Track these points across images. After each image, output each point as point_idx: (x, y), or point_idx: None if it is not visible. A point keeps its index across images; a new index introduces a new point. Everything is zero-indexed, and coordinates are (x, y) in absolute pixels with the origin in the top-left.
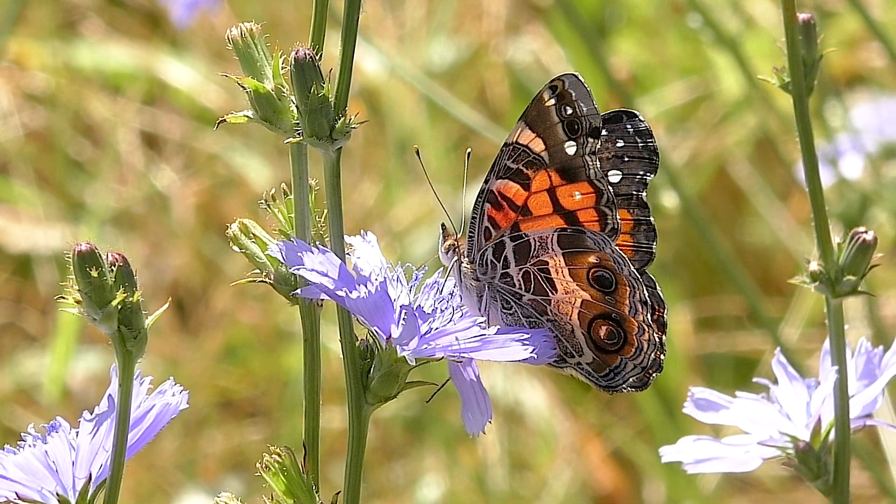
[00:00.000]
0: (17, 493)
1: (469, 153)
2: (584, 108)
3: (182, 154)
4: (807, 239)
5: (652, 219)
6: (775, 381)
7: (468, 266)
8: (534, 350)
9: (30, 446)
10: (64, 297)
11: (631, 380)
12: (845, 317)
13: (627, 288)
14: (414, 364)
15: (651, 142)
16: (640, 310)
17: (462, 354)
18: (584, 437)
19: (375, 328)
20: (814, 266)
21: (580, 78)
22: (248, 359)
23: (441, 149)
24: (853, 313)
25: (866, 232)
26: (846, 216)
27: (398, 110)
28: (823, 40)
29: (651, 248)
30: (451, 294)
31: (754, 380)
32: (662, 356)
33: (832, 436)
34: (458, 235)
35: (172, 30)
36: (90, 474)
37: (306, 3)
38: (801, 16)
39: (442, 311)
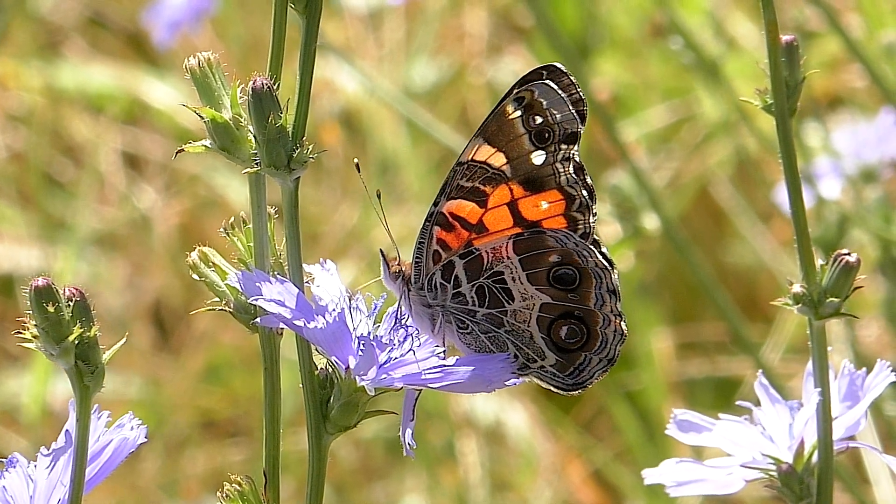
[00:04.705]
0: None
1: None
2: (558, 116)
3: (164, 175)
4: (789, 260)
5: (589, 180)
6: (757, 404)
7: (416, 293)
8: (493, 379)
9: None
10: (21, 332)
11: (597, 373)
12: (828, 339)
13: (593, 280)
14: (374, 394)
15: (576, 92)
16: (608, 300)
17: (421, 385)
18: (565, 457)
19: (334, 358)
20: (797, 288)
21: (551, 84)
22: (229, 379)
23: (423, 169)
24: (835, 335)
25: (849, 254)
26: (824, 239)
27: (379, 131)
28: (805, 61)
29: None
30: (411, 322)
31: (737, 402)
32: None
33: (815, 458)
34: (399, 259)
35: (154, 51)
36: None
37: (289, 24)
38: (784, 38)
39: (401, 340)
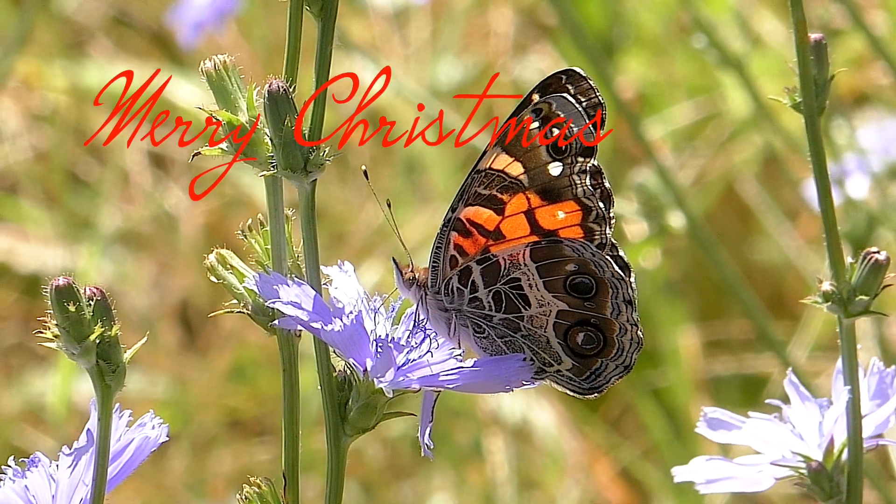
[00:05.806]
0: None
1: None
2: (576, 129)
3: (189, 174)
4: (815, 258)
5: (608, 184)
6: (786, 402)
7: (433, 297)
8: (510, 380)
9: (9, 480)
10: (41, 332)
11: (613, 378)
12: (856, 336)
13: (609, 290)
14: (392, 396)
15: (594, 97)
16: (624, 310)
17: (439, 387)
18: (593, 456)
19: (352, 360)
20: (826, 286)
21: (569, 98)
22: (255, 378)
23: (448, 168)
24: (863, 332)
25: (879, 252)
26: (853, 236)
27: (405, 130)
28: (832, 59)
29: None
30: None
31: (766, 401)
32: (642, 337)
33: (845, 455)
34: (413, 265)
35: (179, 50)
36: None
37: (312, 24)
38: (813, 36)
39: (419, 342)
